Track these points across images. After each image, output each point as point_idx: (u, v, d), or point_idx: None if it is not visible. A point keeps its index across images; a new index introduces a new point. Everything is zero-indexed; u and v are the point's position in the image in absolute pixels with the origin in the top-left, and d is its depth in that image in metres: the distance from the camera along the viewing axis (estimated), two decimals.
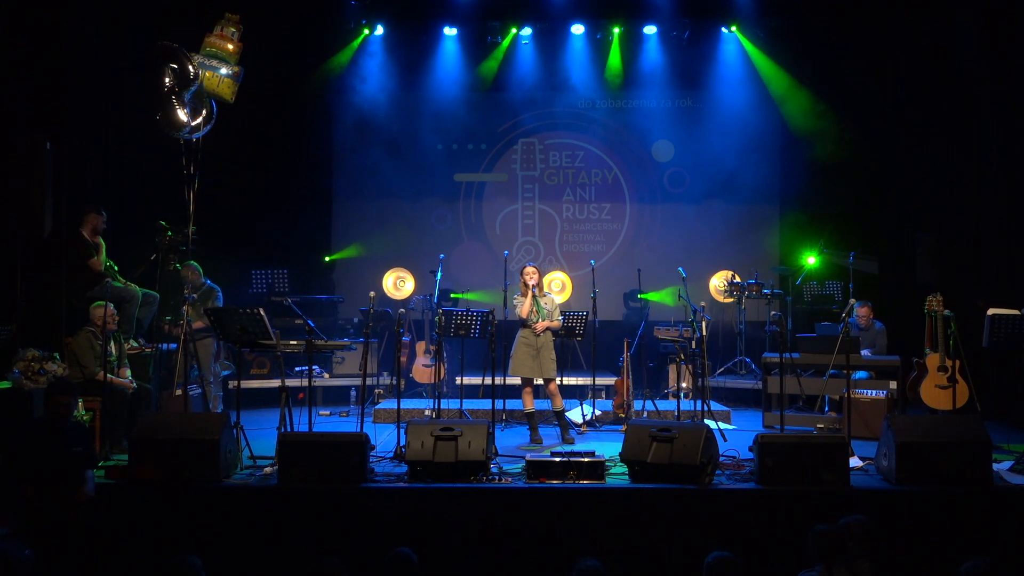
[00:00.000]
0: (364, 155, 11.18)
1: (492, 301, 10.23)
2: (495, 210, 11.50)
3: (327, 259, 11.18)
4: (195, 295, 7.85)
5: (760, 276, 10.05)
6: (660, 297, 10.47)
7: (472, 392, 8.99)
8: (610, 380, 9.04)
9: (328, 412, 9.12)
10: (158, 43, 6.92)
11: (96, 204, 7.73)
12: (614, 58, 11.13)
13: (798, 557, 4.83)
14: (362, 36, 11.04)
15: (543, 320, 7.60)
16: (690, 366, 8.49)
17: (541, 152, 11.52)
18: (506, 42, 11.09)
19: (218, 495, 5.62)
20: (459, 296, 10.24)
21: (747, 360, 10.08)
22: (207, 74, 7.07)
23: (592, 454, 5.87)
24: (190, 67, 6.87)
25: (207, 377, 7.75)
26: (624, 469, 5.92)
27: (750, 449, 5.98)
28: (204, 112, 7.20)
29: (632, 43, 11.13)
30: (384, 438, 7.40)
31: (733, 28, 10.94)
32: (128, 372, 7.18)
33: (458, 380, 8.86)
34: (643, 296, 10.06)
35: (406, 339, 9.40)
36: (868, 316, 8.75)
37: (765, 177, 11.06)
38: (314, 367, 7.21)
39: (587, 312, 8.39)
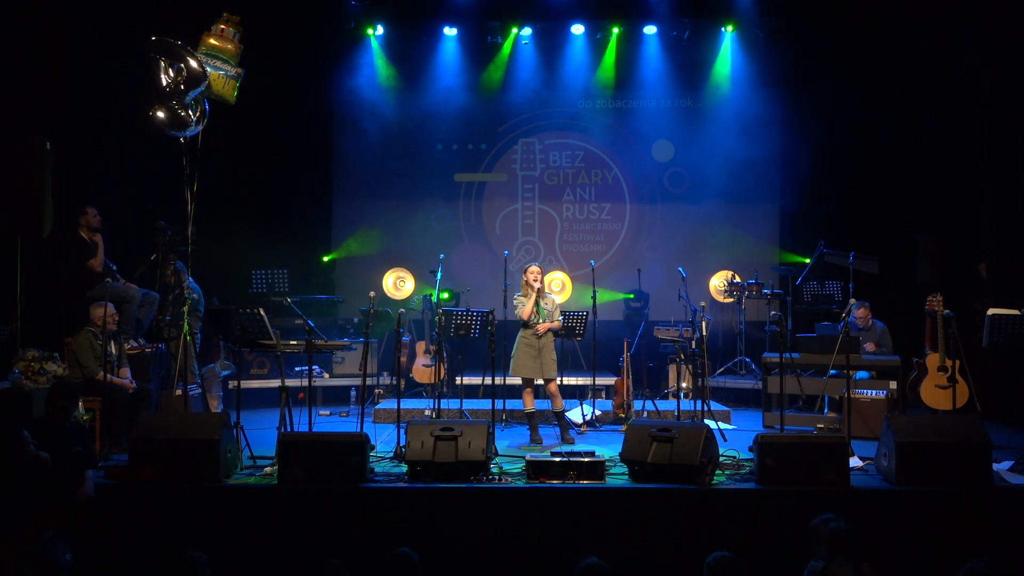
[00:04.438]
0: (364, 155, 11.18)
1: (466, 299, 10.15)
2: (495, 210, 11.50)
3: (326, 259, 11.19)
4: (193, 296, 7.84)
5: (760, 276, 10.05)
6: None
7: (472, 392, 8.99)
8: (610, 380, 9.04)
9: (328, 412, 9.12)
10: (159, 38, 6.88)
11: (88, 201, 7.74)
12: (613, 58, 11.14)
13: (798, 557, 4.83)
14: (362, 36, 11.05)
15: (544, 321, 7.59)
16: (690, 366, 8.48)
17: (541, 152, 11.52)
18: (508, 44, 11.09)
19: (218, 495, 5.62)
20: (450, 295, 10.13)
21: (747, 360, 10.08)
22: (213, 75, 7.06)
23: (592, 454, 5.87)
24: (195, 66, 6.85)
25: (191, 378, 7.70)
26: (624, 469, 5.91)
27: (750, 449, 5.98)
28: (198, 110, 7.19)
29: (632, 43, 11.14)
30: (384, 438, 7.40)
31: (731, 28, 10.95)
32: (128, 372, 7.18)
33: (458, 380, 8.87)
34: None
35: (406, 339, 9.40)
36: (867, 317, 8.74)
37: (765, 177, 11.06)
38: (314, 367, 7.21)
39: (587, 312, 8.39)
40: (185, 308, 7.29)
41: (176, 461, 5.65)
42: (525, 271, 7.67)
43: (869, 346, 8.53)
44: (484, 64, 11.20)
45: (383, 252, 11.10)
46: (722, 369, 10.13)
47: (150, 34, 6.94)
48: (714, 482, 5.73)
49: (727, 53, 11.06)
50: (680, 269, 9.39)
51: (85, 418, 6.30)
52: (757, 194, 11.11)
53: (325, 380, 9.84)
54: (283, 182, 10.73)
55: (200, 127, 7.10)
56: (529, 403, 7.57)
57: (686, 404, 8.42)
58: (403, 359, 9.11)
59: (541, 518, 5.52)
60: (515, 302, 7.71)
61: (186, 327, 7.21)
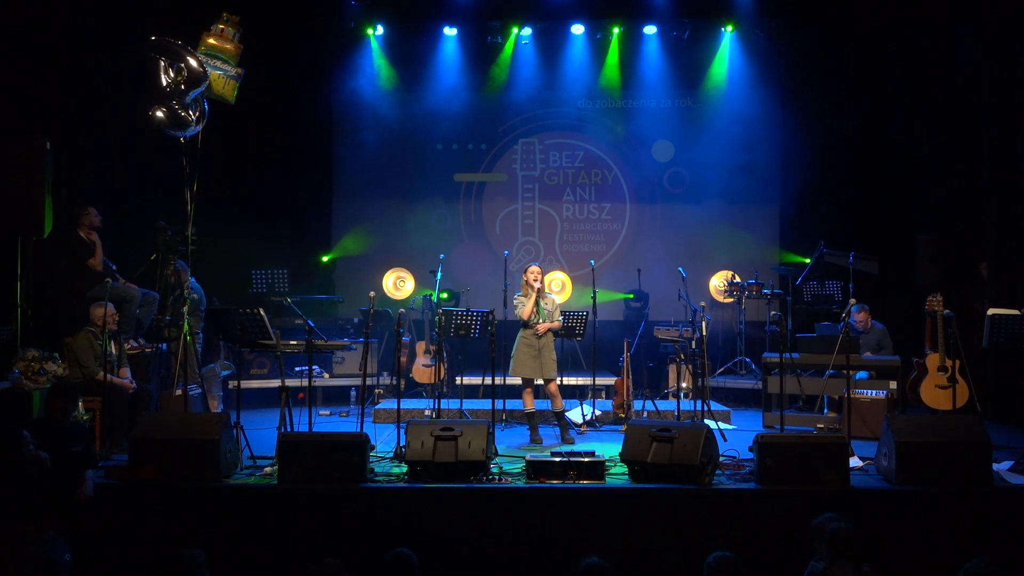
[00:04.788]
0: (364, 155, 11.19)
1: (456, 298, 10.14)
2: (495, 210, 11.51)
3: (326, 259, 11.19)
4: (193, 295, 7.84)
5: (760, 276, 10.05)
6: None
7: (472, 392, 8.98)
8: (610, 380, 9.04)
9: (328, 412, 9.12)
10: (158, 38, 6.88)
11: (88, 201, 7.73)
12: (613, 58, 11.15)
13: (798, 557, 4.83)
14: (362, 36, 11.06)
15: (544, 321, 7.59)
16: (690, 366, 8.48)
17: (541, 152, 11.52)
18: (509, 44, 11.09)
19: (218, 495, 5.61)
20: (450, 295, 10.11)
21: (747, 360, 10.08)
22: (213, 75, 7.06)
23: (592, 454, 5.86)
24: (195, 66, 6.84)
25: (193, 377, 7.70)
26: (624, 469, 5.92)
27: (750, 449, 5.98)
28: (198, 110, 7.19)
29: (632, 43, 11.15)
30: (384, 438, 7.40)
31: (731, 28, 10.95)
32: (128, 372, 7.18)
33: (458, 380, 8.87)
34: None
35: (406, 339, 9.40)
36: (866, 320, 8.71)
37: (765, 177, 11.07)
38: (314, 367, 7.21)
39: (587, 312, 8.38)
40: (185, 308, 7.29)
41: (176, 461, 5.65)
42: (525, 271, 7.66)
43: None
44: (484, 64, 11.21)
45: (383, 252, 11.10)
46: (722, 369, 10.13)
47: (150, 34, 6.94)
48: (714, 482, 5.73)
49: (727, 53, 11.06)
50: (680, 269, 9.39)
51: (85, 418, 6.30)
52: (757, 194, 11.12)
53: (325, 380, 9.84)
54: (283, 182, 10.73)
55: (200, 127, 7.09)
56: (529, 403, 7.57)
57: (686, 404, 8.41)
58: (403, 359, 9.10)
59: (541, 518, 5.52)
60: (515, 302, 7.70)
61: (186, 327, 7.21)
